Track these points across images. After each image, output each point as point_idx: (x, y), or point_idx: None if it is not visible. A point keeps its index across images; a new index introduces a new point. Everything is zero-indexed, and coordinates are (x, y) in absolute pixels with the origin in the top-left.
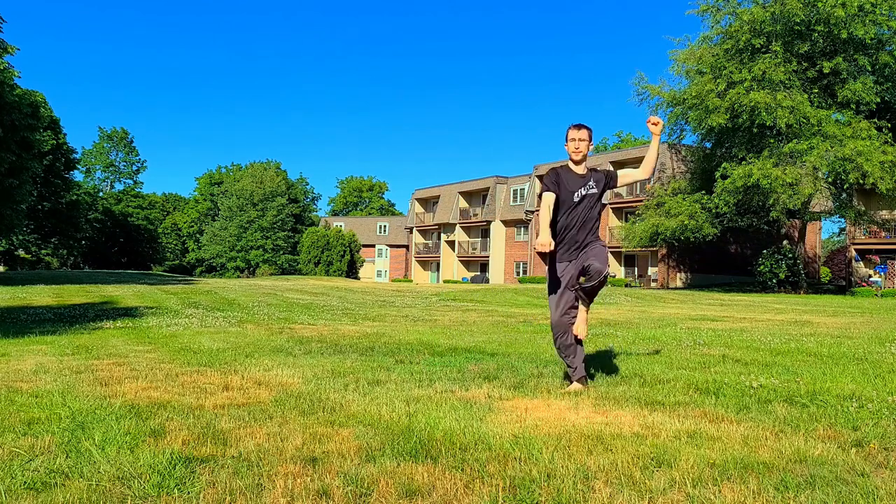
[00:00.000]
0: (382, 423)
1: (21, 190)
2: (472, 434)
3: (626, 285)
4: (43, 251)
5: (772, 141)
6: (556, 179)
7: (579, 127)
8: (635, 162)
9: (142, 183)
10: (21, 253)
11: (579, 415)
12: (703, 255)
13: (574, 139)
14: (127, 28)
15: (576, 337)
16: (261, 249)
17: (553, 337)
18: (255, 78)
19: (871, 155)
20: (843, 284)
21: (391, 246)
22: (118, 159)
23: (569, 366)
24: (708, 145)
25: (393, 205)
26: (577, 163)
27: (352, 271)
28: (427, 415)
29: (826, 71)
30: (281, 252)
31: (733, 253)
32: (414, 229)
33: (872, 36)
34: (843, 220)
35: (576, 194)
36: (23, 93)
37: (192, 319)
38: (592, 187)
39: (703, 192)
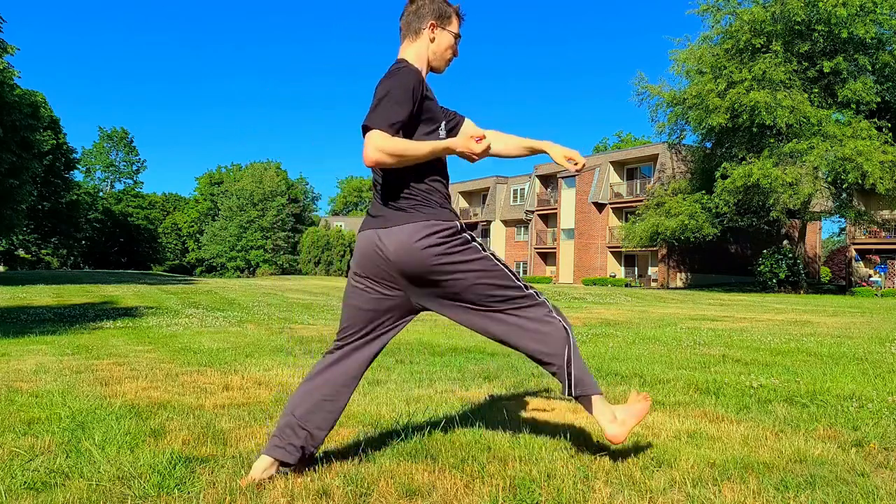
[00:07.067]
0: (382, 423)
1: (21, 190)
2: (473, 434)
3: (625, 285)
4: (43, 251)
5: (772, 141)
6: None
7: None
8: (636, 162)
9: (142, 183)
10: (21, 253)
11: (579, 415)
12: (703, 255)
13: (459, 35)
14: (127, 27)
15: None
16: (261, 249)
17: None
18: (256, 78)
19: (871, 155)
20: (843, 284)
21: None
22: (118, 159)
23: None
24: (708, 145)
25: None
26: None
27: None
28: (427, 415)
29: (826, 71)
30: (281, 252)
31: (733, 253)
32: None
33: (873, 35)
34: (843, 220)
35: (443, 127)
36: (23, 93)
37: (192, 319)
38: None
39: (704, 191)
